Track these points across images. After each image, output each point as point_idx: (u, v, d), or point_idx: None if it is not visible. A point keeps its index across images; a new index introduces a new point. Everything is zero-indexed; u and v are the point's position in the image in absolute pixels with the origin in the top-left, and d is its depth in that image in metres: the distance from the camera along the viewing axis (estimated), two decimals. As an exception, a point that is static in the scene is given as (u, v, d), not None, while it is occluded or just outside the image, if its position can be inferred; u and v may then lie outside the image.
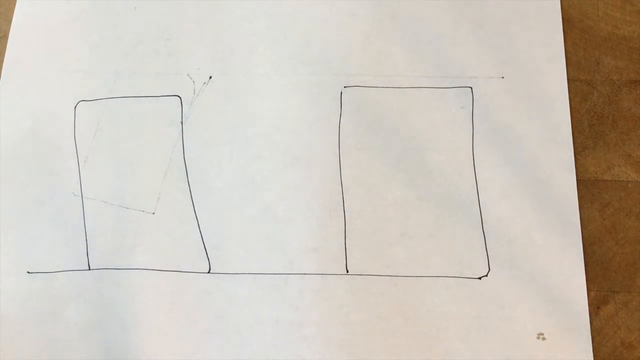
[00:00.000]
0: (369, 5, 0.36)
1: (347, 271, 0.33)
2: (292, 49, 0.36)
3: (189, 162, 0.34)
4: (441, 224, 0.33)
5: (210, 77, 0.36)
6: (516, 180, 0.33)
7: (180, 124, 0.35)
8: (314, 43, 0.36)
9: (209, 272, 0.33)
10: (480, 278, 0.32)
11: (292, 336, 0.32)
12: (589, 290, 0.32)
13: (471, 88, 0.35)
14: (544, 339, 0.31)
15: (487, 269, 0.32)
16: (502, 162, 0.34)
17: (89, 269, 0.33)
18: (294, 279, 0.32)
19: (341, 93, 0.35)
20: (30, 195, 0.34)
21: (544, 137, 0.34)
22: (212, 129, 0.35)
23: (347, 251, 0.33)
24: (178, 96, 0.35)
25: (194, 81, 0.36)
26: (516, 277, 0.32)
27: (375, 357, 0.31)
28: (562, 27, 0.36)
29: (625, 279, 0.32)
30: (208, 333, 0.32)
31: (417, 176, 0.34)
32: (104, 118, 0.35)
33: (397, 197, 0.33)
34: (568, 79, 0.35)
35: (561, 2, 0.36)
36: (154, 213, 0.34)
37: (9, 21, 0.37)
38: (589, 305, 0.32)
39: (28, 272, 0.33)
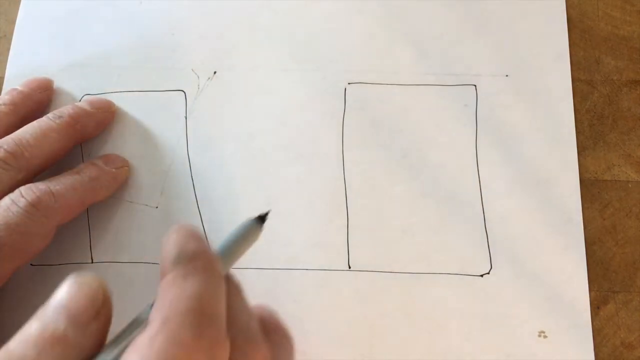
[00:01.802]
0: (374, 2, 0.37)
1: (350, 267, 0.32)
2: (297, 45, 0.36)
3: (192, 157, 0.34)
4: (444, 221, 0.33)
5: (215, 72, 0.36)
6: (519, 179, 0.33)
7: (185, 118, 0.35)
8: (319, 39, 0.36)
9: (211, 267, 0.33)
10: (482, 275, 0.32)
11: (294, 331, 0.31)
12: (589, 290, 0.32)
13: (475, 86, 0.35)
14: (545, 337, 0.31)
15: (489, 267, 0.32)
16: (505, 160, 0.34)
17: (92, 262, 0.33)
18: (296, 274, 0.32)
19: (345, 89, 0.35)
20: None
21: (547, 136, 0.34)
22: (216, 124, 0.35)
23: (350, 247, 0.33)
24: (182, 91, 0.35)
25: (198, 76, 0.36)
26: (518, 275, 0.32)
27: (377, 352, 0.31)
28: (567, 26, 0.36)
29: (625, 279, 0.32)
30: (210, 327, 0.32)
31: (420, 173, 0.34)
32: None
33: (400, 193, 0.33)
34: (568, 79, 0.35)
35: (564, 2, 0.37)
36: (157, 207, 0.34)
37: (9, 21, 0.37)
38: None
39: (31, 265, 0.33)
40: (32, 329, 0.19)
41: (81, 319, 0.19)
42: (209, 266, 0.20)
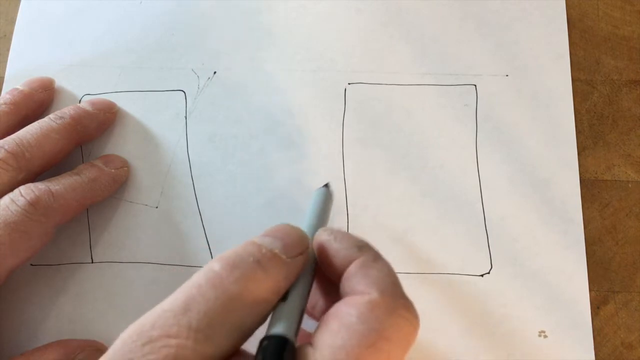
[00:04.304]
0: (374, 2, 0.37)
1: (350, 267, 0.32)
2: (297, 45, 0.36)
3: (192, 157, 0.34)
4: (444, 221, 0.33)
5: (215, 72, 0.36)
6: (519, 178, 0.33)
7: (185, 118, 0.35)
8: (319, 39, 0.36)
9: (211, 267, 0.33)
10: (482, 275, 0.32)
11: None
12: (589, 290, 0.32)
13: (475, 86, 0.35)
14: (545, 336, 0.31)
15: (490, 267, 0.32)
16: (506, 160, 0.34)
17: (92, 262, 0.33)
18: (296, 275, 0.32)
19: (345, 89, 0.35)
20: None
21: (547, 135, 0.34)
22: (216, 124, 0.35)
23: (350, 247, 0.33)
24: (182, 91, 0.35)
25: (198, 76, 0.36)
26: (518, 275, 0.32)
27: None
28: (567, 26, 0.36)
29: (625, 279, 0.32)
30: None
31: (420, 173, 0.34)
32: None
33: (400, 193, 0.33)
34: (568, 79, 0.35)
35: (564, 2, 0.37)
36: (157, 207, 0.34)
37: (9, 21, 0.37)
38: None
39: (31, 265, 0.33)
40: (249, 247, 0.22)
41: (293, 250, 0.23)
42: (379, 252, 0.24)
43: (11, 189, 0.29)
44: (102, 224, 0.33)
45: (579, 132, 0.34)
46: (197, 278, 0.21)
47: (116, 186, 0.33)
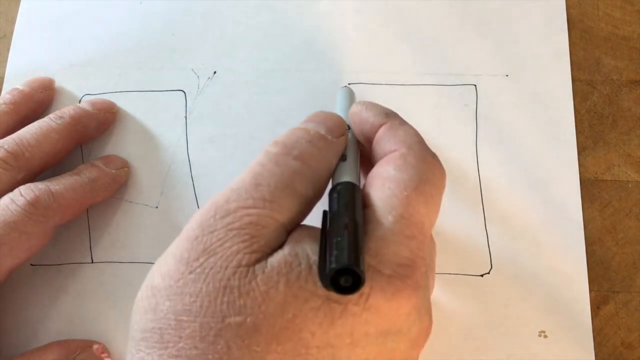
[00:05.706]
0: (374, 2, 0.37)
1: (350, 267, 0.32)
2: (297, 45, 0.36)
3: (192, 157, 0.34)
4: (444, 221, 0.33)
5: (215, 72, 0.36)
6: (519, 178, 0.33)
7: (184, 118, 0.35)
8: (319, 39, 0.36)
9: (211, 267, 0.33)
10: (482, 275, 0.32)
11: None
12: (589, 290, 0.32)
13: (475, 86, 0.35)
14: (545, 336, 0.31)
15: (490, 267, 0.32)
16: (506, 159, 0.34)
17: (92, 262, 0.33)
18: (296, 275, 0.32)
19: (345, 90, 0.35)
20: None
21: (547, 136, 0.34)
22: (216, 123, 0.35)
23: (350, 247, 0.33)
24: (182, 91, 0.35)
25: (198, 76, 0.36)
26: (518, 275, 0.32)
27: (378, 353, 0.31)
28: (567, 26, 0.36)
29: (625, 279, 0.32)
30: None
31: (420, 173, 0.34)
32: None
33: (400, 193, 0.33)
34: (568, 79, 0.35)
35: (563, 2, 0.37)
36: (157, 207, 0.34)
37: (9, 21, 0.37)
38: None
39: (31, 265, 0.33)
40: (299, 132, 0.25)
41: (335, 131, 0.25)
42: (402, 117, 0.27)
43: (11, 189, 0.29)
44: (102, 224, 0.33)
45: (579, 132, 0.34)
46: (259, 161, 0.23)
47: (116, 187, 0.33)
